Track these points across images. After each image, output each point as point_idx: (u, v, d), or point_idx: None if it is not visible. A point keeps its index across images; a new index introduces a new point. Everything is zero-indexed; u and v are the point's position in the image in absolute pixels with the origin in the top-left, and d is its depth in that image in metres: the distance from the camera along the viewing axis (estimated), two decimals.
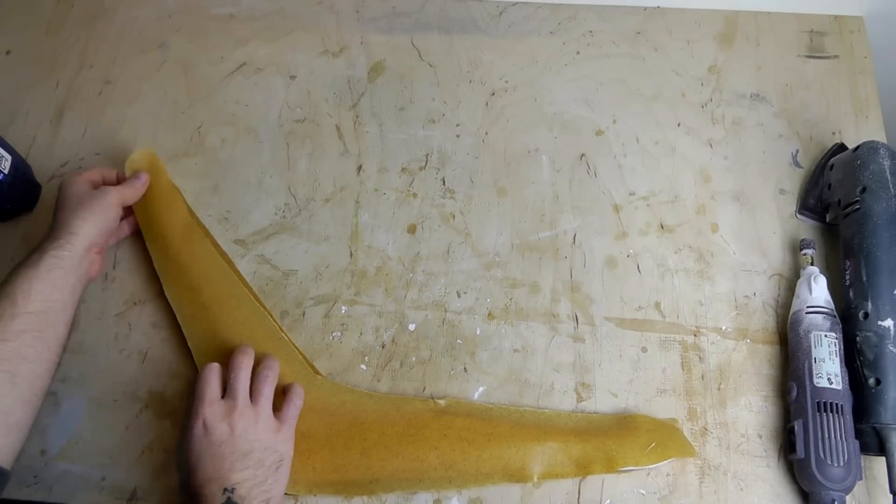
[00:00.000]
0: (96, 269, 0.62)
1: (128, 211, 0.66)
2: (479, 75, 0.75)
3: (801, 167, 0.70)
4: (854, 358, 0.57)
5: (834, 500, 0.53)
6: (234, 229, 0.68)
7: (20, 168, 0.66)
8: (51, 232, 0.59)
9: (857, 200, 0.61)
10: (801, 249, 0.63)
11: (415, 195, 0.69)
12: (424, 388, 0.61)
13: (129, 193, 0.63)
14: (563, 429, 0.58)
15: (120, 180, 0.66)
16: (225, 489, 0.50)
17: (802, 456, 0.55)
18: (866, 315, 0.57)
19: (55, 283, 0.55)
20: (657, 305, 0.64)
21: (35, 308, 0.54)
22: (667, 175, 0.70)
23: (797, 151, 0.70)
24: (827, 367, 0.56)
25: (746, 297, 0.64)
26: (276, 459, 0.54)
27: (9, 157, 0.64)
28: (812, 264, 0.62)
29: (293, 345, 0.62)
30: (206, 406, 0.53)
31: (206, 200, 0.69)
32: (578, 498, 0.57)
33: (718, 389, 0.61)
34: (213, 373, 0.55)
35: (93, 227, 0.59)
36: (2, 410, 0.50)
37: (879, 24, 0.76)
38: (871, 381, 0.56)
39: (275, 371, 0.57)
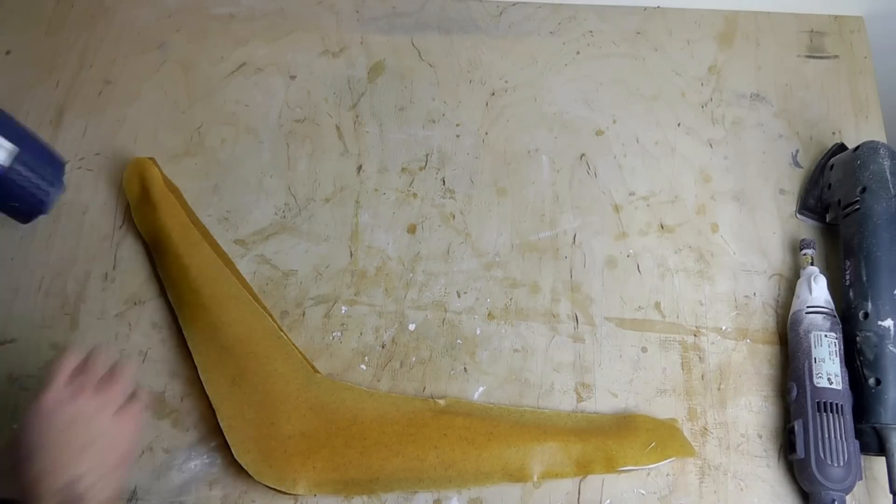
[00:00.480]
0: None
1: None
2: (479, 75, 0.75)
3: (801, 167, 0.70)
4: (854, 358, 0.57)
5: (834, 500, 0.53)
6: (234, 229, 0.68)
7: (29, 162, 0.62)
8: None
9: (857, 200, 0.61)
10: (801, 249, 0.63)
11: (415, 195, 0.69)
12: (424, 388, 0.61)
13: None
14: (563, 429, 0.58)
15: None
16: (61, 485, 0.46)
17: (802, 456, 0.55)
18: (866, 315, 0.57)
19: None
20: (657, 305, 0.64)
21: None
22: (667, 175, 0.70)
23: (797, 151, 0.70)
24: (827, 367, 0.56)
25: (746, 297, 0.64)
26: (116, 456, 0.49)
27: (11, 148, 0.61)
28: (812, 264, 0.62)
29: (292, 345, 0.62)
30: (53, 389, 0.49)
31: (206, 200, 0.69)
32: (578, 498, 0.57)
33: (718, 389, 0.61)
34: (69, 359, 0.51)
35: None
36: None
37: (879, 24, 0.76)
38: (871, 381, 0.56)
39: (128, 371, 0.53)
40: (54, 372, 0.50)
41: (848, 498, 0.54)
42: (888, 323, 0.56)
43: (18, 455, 0.47)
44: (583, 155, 0.71)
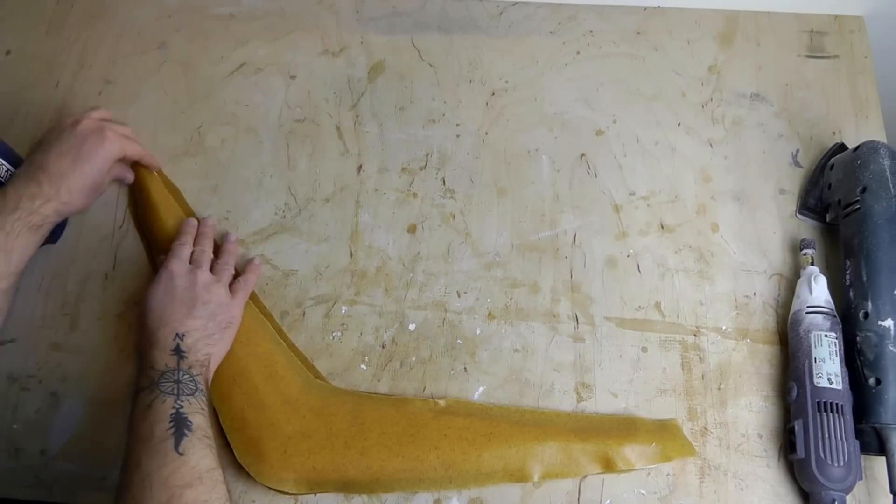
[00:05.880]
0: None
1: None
2: (479, 75, 0.75)
3: (802, 167, 0.70)
4: (854, 358, 0.57)
5: (834, 500, 0.53)
6: (234, 229, 0.68)
7: None
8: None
9: (858, 200, 0.61)
10: (801, 249, 0.63)
11: (415, 195, 0.69)
12: (424, 388, 0.61)
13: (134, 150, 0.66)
14: (563, 429, 0.58)
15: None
16: (176, 334, 0.55)
17: (802, 456, 0.55)
18: (866, 315, 0.57)
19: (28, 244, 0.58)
20: (657, 305, 0.64)
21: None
22: (667, 175, 0.70)
23: (797, 151, 0.70)
24: (827, 366, 0.56)
25: (746, 297, 0.64)
26: (226, 318, 0.58)
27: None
28: (812, 264, 0.62)
29: (291, 349, 0.62)
30: (175, 260, 0.59)
31: (206, 200, 0.69)
32: (578, 498, 0.57)
33: (718, 389, 0.61)
34: (186, 238, 0.62)
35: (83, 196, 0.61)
36: None
37: (879, 24, 0.76)
38: (871, 381, 0.56)
39: (236, 250, 0.65)
40: (176, 249, 0.60)
41: (848, 498, 0.54)
42: (888, 323, 0.56)
43: (146, 307, 0.56)
44: (583, 155, 0.71)
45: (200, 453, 0.50)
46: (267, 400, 0.59)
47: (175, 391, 0.52)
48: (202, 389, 0.53)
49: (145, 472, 0.48)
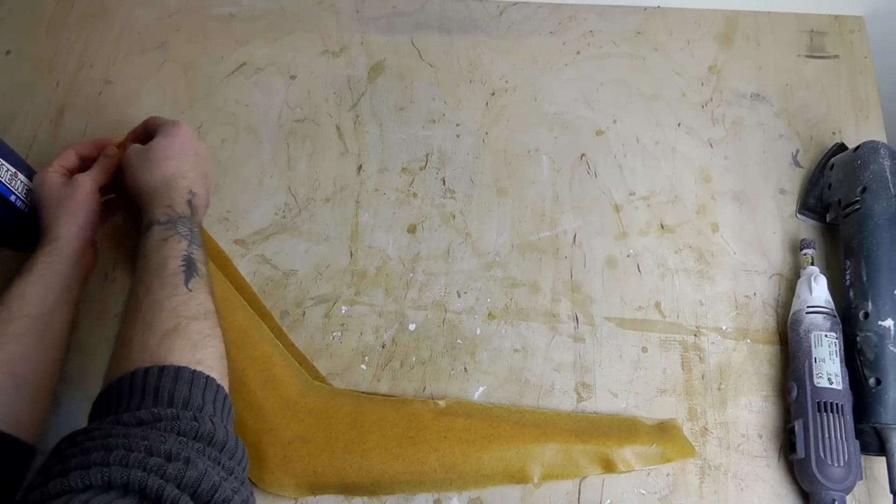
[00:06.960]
0: (90, 261, 0.62)
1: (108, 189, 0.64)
2: (479, 75, 0.75)
3: (802, 167, 0.70)
4: (854, 358, 0.57)
5: (834, 500, 0.53)
6: (234, 229, 0.68)
7: None
8: (41, 235, 0.59)
9: (858, 200, 0.61)
10: (801, 249, 0.63)
11: (415, 195, 0.69)
12: (424, 388, 0.61)
13: (103, 176, 0.62)
14: (564, 429, 0.58)
15: (98, 150, 0.64)
16: (190, 190, 0.58)
17: (803, 456, 0.55)
18: (866, 315, 0.57)
19: (49, 286, 0.56)
20: (657, 305, 0.64)
21: (31, 311, 0.54)
22: (667, 175, 0.70)
23: (797, 151, 0.70)
24: (827, 367, 0.56)
25: (746, 297, 0.64)
26: (203, 168, 0.62)
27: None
28: (812, 264, 0.62)
29: (290, 349, 0.62)
30: (185, 125, 0.62)
31: None
32: (578, 498, 0.57)
33: (718, 389, 0.61)
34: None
35: (75, 226, 0.59)
36: (9, 412, 0.51)
37: (879, 24, 0.76)
38: (872, 381, 0.56)
39: None
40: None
41: (848, 498, 0.54)
42: (888, 323, 0.56)
43: (170, 149, 0.59)
44: (583, 155, 0.71)
45: (206, 295, 0.52)
46: (265, 404, 0.58)
47: (189, 237, 0.54)
48: (202, 248, 0.55)
49: (155, 299, 0.49)
